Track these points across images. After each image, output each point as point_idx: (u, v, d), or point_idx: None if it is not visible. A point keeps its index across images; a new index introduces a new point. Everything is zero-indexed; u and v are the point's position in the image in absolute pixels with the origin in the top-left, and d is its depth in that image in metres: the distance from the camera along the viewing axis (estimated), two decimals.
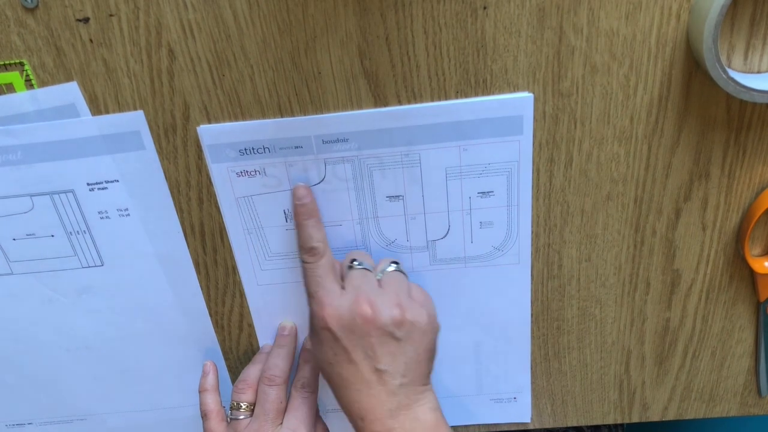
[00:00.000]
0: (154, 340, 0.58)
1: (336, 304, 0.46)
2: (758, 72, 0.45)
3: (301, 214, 0.49)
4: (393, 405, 0.46)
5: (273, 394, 0.53)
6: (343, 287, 0.48)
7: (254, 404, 0.54)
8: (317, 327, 0.47)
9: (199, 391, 0.56)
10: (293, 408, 0.54)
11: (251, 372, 0.55)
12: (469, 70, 0.45)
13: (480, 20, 0.44)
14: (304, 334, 0.57)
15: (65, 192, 0.50)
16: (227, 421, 0.55)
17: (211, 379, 0.56)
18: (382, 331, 0.46)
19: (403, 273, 0.51)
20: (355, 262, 0.49)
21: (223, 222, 0.52)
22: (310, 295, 0.48)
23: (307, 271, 0.49)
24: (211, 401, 0.55)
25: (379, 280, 0.49)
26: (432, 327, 0.48)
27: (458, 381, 0.60)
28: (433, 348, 0.49)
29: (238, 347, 0.59)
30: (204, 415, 0.55)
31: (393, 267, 0.50)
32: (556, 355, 0.59)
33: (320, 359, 0.48)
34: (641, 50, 0.44)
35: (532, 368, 0.60)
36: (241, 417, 0.53)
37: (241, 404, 0.53)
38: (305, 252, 0.49)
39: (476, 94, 0.46)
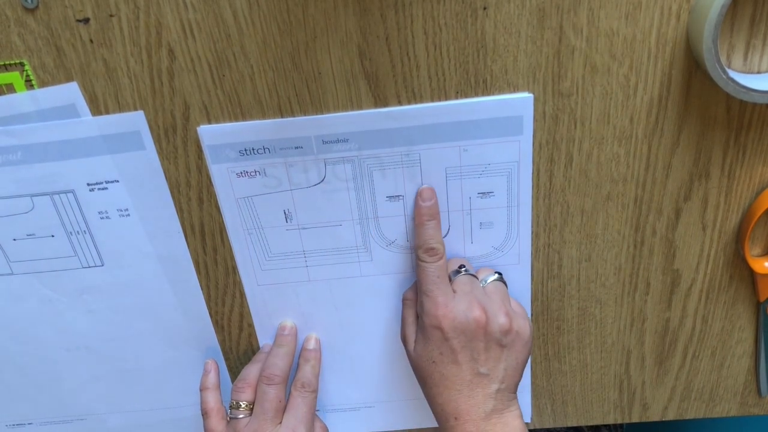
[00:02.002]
0: (154, 340, 0.58)
1: (451, 305, 0.48)
2: (758, 72, 0.45)
3: (424, 215, 0.50)
4: (488, 408, 0.47)
5: (272, 394, 0.53)
6: (454, 290, 0.49)
7: (254, 403, 0.54)
8: (428, 325, 0.48)
9: (200, 390, 0.56)
10: (292, 407, 0.54)
11: (251, 371, 0.55)
12: (469, 71, 0.45)
13: (480, 20, 0.44)
14: (303, 333, 0.58)
15: (65, 192, 0.50)
16: (227, 420, 0.55)
17: (212, 378, 0.56)
18: (491, 337, 0.48)
19: (505, 284, 0.52)
20: (462, 268, 0.51)
21: (223, 222, 0.52)
22: (425, 293, 0.49)
23: (424, 270, 0.50)
24: (212, 399, 0.55)
25: (483, 287, 0.51)
26: (531, 339, 0.51)
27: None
28: (527, 360, 0.51)
29: (238, 347, 0.59)
30: (204, 414, 0.55)
31: (496, 276, 0.52)
32: (556, 355, 0.59)
33: (422, 356, 0.49)
34: (641, 50, 0.44)
35: (532, 368, 0.60)
36: (241, 416, 0.53)
37: (241, 403, 0.53)
38: (425, 252, 0.50)
39: (476, 95, 0.46)
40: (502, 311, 0.49)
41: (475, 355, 0.48)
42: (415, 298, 0.52)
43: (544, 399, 0.62)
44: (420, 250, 0.50)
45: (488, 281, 0.51)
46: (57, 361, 0.59)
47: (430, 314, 0.48)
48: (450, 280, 0.50)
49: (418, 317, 0.51)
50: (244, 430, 0.52)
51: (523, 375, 0.59)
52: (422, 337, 0.49)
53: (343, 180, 0.50)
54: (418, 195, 0.50)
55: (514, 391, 0.50)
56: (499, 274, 0.52)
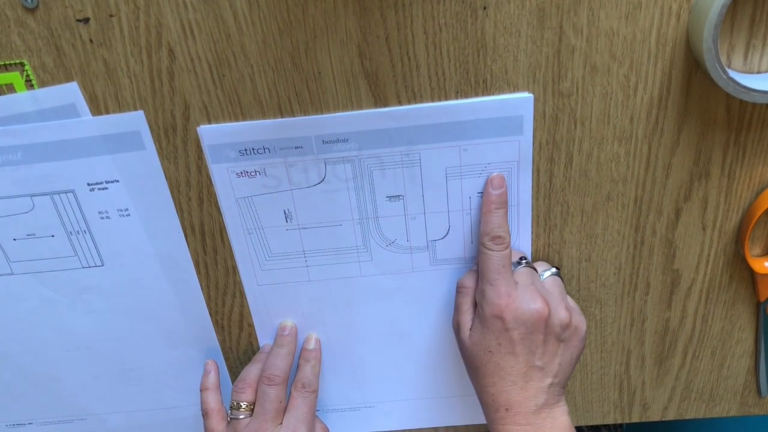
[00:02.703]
0: (154, 340, 0.58)
1: (514, 295, 0.47)
2: (758, 72, 0.45)
3: (493, 203, 0.49)
4: (540, 401, 0.47)
5: (273, 394, 0.53)
6: (516, 281, 0.49)
7: (254, 404, 0.54)
8: (489, 314, 0.48)
9: (201, 390, 0.56)
10: (293, 407, 0.54)
11: (251, 371, 0.55)
12: (469, 70, 0.45)
13: (480, 20, 0.44)
14: (304, 333, 0.58)
15: (65, 192, 0.50)
16: (228, 420, 0.55)
17: (212, 378, 0.56)
18: (551, 330, 0.48)
19: (562, 279, 0.52)
20: (523, 260, 0.50)
21: (223, 222, 0.52)
22: (488, 282, 0.48)
23: (489, 258, 0.49)
24: (212, 400, 0.55)
25: (542, 281, 0.50)
26: (586, 335, 0.51)
27: (458, 380, 0.60)
28: (579, 356, 0.51)
29: (238, 347, 0.59)
30: (205, 414, 0.55)
31: (554, 271, 0.52)
32: None
33: (479, 345, 0.49)
34: (641, 50, 0.44)
35: None
36: (241, 416, 0.53)
37: (241, 404, 0.53)
38: (492, 239, 0.49)
39: (476, 94, 0.46)
40: (562, 305, 0.49)
41: (533, 347, 0.47)
42: (473, 286, 0.51)
43: None
44: (486, 238, 0.49)
45: (546, 275, 0.51)
46: (57, 361, 0.59)
47: (493, 303, 0.48)
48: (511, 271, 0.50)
49: (476, 305, 0.50)
50: (245, 431, 0.52)
51: None
52: (480, 326, 0.49)
53: (343, 180, 0.50)
54: (489, 183, 0.49)
55: (564, 386, 0.50)
56: (557, 269, 0.52)
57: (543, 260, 0.53)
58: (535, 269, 0.51)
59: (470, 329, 0.50)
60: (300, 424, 0.53)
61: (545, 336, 0.48)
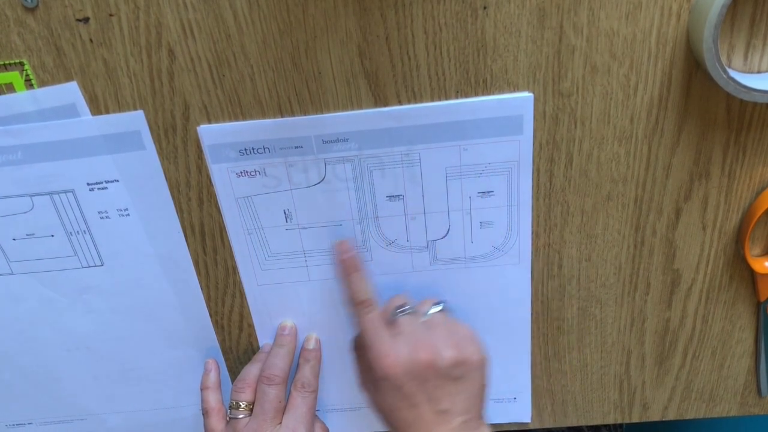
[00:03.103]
0: (154, 340, 0.58)
1: (394, 353, 0.47)
2: (758, 72, 0.45)
3: (347, 269, 0.50)
4: None
5: (272, 394, 0.53)
6: (394, 335, 0.48)
7: (253, 403, 0.54)
8: (377, 377, 0.48)
9: (201, 389, 0.56)
10: (292, 407, 0.54)
11: (250, 371, 0.55)
12: (469, 70, 0.45)
13: (480, 20, 0.44)
14: (303, 333, 0.57)
15: (65, 192, 0.50)
16: (227, 419, 0.55)
17: (212, 377, 0.57)
18: (442, 373, 0.47)
19: (449, 312, 0.51)
20: (400, 309, 0.50)
21: (223, 222, 0.52)
22: (366, 347, 0.49)
23: (362, 323, 0.50)
24: (212, 399, 0.56)
25: (425, 322, 0.50)
26: (484, 361, 0.50)
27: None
28: (486, 382, 0.50)
29: (238, 347, 0.59)
30: (205, 413, 0.55)
31: (438, 307, 0.51)
32: (556, 355, 0.59)
33: (380, 407, 0.49)
34: (641, 50, 0.44)
35: (532, 368, 0.60)
36: (241, 416, 0.53)
37: (240, 403, 0.53)
38: (358, 305, 0.50)
39: (476, 94, 0.46)
40: (448, 343, 0.48)
41: (430, 395, 0.47)
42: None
43: (544, 399, 0.62)
44: (351, 305, 0.50)
45: (429, 314, 0.50)
46: (57, 361, 0.59)
47: (377, 366, 0.47)
48: (391, 321, 0.50)
49: (367, 370, 0.50)
50: (244, 430, 0.52)
51: (523, 375, 0.59)
52: (375, 390, 0.49)
53: (343, 180, 0.50)
54: (337, 249, 0.51)
55: (482, 416, 0.49)
56: (442, 302, 0.51)
57: (545, 260, 0.53)
58: (415, 312, 0.50)
59: (370, 391, 0.51)
60: (299, 424, 0.53)
61: (439, 381, 0.47)
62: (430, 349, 0.47)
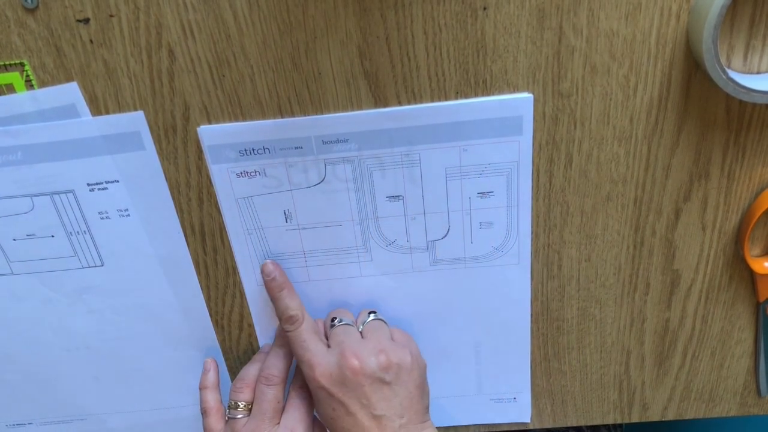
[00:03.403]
0: (154, 340, 0.58)
1: (324, 362, 0.49)
2: (758, 72, 0.45)
3: (273, 289, 0.52)
4: None
5: (271, 394, 0.53)
6: (328, 345, 0.51)
7: (252, 403, 0.54)
8: (312, 388, 0.50)
9: (200, 388, 0.56)
10: (291, 408, 0.54)
11: (249, 371, 0.55)
12: (469, 71, 0.45)
13: (480, 21, 0.44)
14: None
15: (65, 192, 0.50)
16: (226, 419, 0.55)
17: (211, 377, 0.57)
18: (372, 379, 0.48)
19: (382, 320, 0.54)
20: (335, 320, 0.53)
21: (223, 222, 0.52)
22: (300, 360, 0.51)
23: (291, 339, 0.52)
24: (211, 398, 0.56)
25: (361, 332, 0.52)
26: (418, 364, 0.51)
27: (458, 381, 0.60)
28: (423, 384, 0.52)
29: (238, 347, 0.59)
30: (204, 412, 0.55)
31: (372, 317, 0.53)
32: (556, 355, 0.59)
33: (322, 415, 0.51)
34: (641, 51, 0.44)
35: (532, 368, 0.60)
36: (239, 416, 0.53)
37: (239, 403, 0.53)
38: (285, 321, 0.52)
39: (476, 95, 0.46)
40: (377, 349, 0.49)
41: (363, 401, 0.48)
42: None
43: (543, 399, 0.62)
44: (281, 322, 0.52)
45: (366, 322, 0.53)
46: (57, 361, 0.59)
47: (310, 378, 0.50)
48: (328, 334, 0.52)
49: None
50: (242, 430, 0.52)
51: (523, 375, 0.59)
52: (315, 400, 0.51)
53: (343, 180, 0.50)
54: (262, 272, 0.53)
55: (422, 419, 0.50)
56: (375, 312, 0.54)
57: (545, 260, 0.53)
58: (349, 324, 0.52)
59: (314, 403, 0.52)
60: (298, 424, 0.53)
61: (370, 386, 0.48)
62: (356, 355, 0.48)
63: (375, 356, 0.49)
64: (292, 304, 0.52)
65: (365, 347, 0.49)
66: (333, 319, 0.53)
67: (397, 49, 0.45)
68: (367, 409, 0.48)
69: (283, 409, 0.54)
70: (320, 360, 0.49)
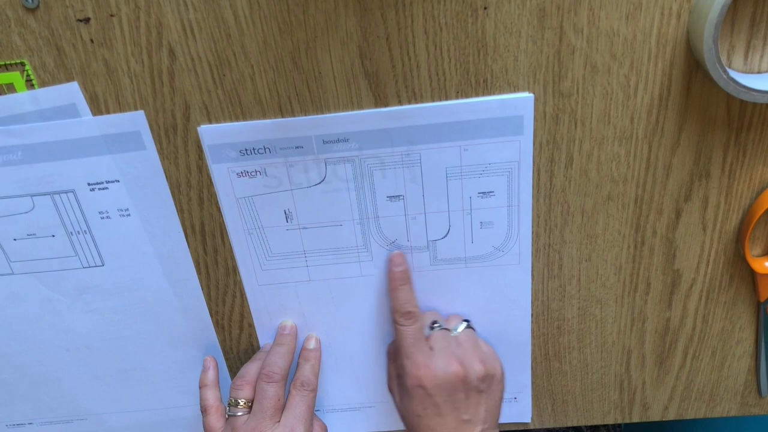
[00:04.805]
0: (154, 340, 0.58)
1: (431, 365, 0.51)
2: (758, 72, 0.45)
3: (397, 280, 0.53)
4: None
5: (271, 392, 0.53)
6: (429, 348, 0.52)
7: (252, 401, 0.54)
8: (410, 385, 0.51)
9: (200, 386, 0.57)
10: (292, 406, 0.54)
11: (250, 369, 0.55)
12: (469, 70, 0.45)
13: (480, 20, 0.44)
14: (303, 333, 0.58)
15: (66, 192, 0.50)
16: (226, 417, 0.55)
17: (211, 375, 0.57)
18: (470, 387, 0.51)
19: (473, 329, 0.55)
20: (436, 324, 0.54)
21: (223, 222, 0.52)
22: (405, 356, 0.52)
23: (402, 333, 0.52)
24: (211, 396, 0.56)
25: (455, 338, 0.53)
26: (503, 376, 0.55)
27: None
28: (503, 395, 0.55)
29: (238, 347, 0.59)
30: (204, 410, 0.55)
31: (465, 325, 0.55)
32: (557, 355, 0.59)
33: (408, 412, 0.53)
34: (641, 50, 0.44)
35: (532, 368, 0.60)
36: (239, 413, 0.53)
37: (239, 401, 0.54)
38: (402, 315, 0.52)
39: (476, 94, 0.46)
40: (477, 359, 0.52)
41: (457, 405, 0.51)
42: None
43: (544, 399, 0.62)
44: (397, 314, 0.52)
45: (459, 330, 0.54)
46: (57, 361, 0.59)
47: (412, 375, 0.51)
48: (426, 335, 0.53)
49: (399, 375, 0.53)
50: (243, 428, 0.52)
51: (523, 375, 0.59)
52: (407, 396, 0.52)
53: (343, 180, 0.50)
54: (390, 261, 0.53)
55: (497, 425, 0.53)
56: (467, 321, 0.55)
57: (545, 260, 0.53)
58: (447, 329, 0.53)
59: (399, 396, 0.54)
60: (298, 422, 0.53)
61: (466, 393, 0.51)
62: (462, 363, 0.51)
63: (476, 366, 0.51)
64: (413, 300, 0.53)
65: (468, 354, 0.52)
66: (433, 323, 0.54)
67: (397, 48, 0.45)
68: (458, 413, 0.51)
69: (283, 408, 0.54)
70: (428, 361, 0.51)
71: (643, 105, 0.46)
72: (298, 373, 0.56)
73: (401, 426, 0.63)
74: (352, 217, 0.51)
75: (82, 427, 0.64)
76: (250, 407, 0.54)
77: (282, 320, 0.57)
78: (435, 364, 0.51)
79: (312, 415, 0.55)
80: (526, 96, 0.46)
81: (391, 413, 0.62)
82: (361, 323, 0.57)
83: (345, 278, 0.55)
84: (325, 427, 0.58)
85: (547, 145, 0.48)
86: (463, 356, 0.51)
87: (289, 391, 0.55)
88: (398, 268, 0.53)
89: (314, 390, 0.55)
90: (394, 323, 0.53)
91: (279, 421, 0.53)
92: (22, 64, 0.45)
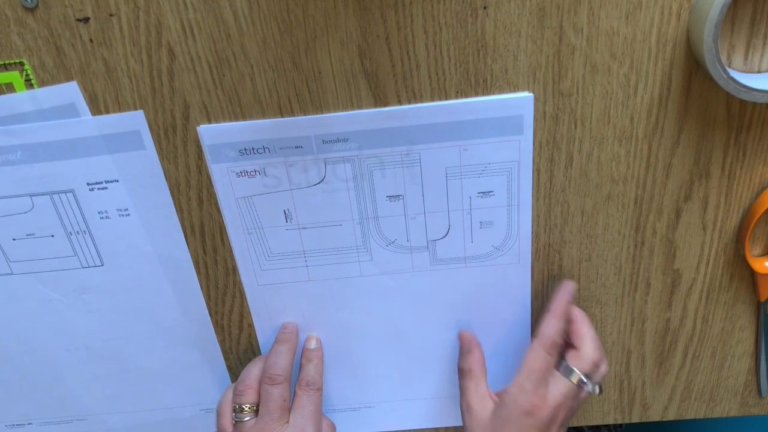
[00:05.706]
0: (154, 340, 0.58)
1: (548, 398, 0.50)
2: (758, 72, 0.45)
3: (564, 311, 0.52)
4: None
5: (276, 393, 0.52)
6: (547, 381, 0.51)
7: (257, 405, 0.53)
8: (521, 410, 0.49)
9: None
10: (299, 406, 0.53)
11: (251, 372, 0.55)
12: (469, 70, 0.45)
13: (480, 20, 0.44)
14: (304, 334, 0.57)
15: (65, 192, 0.50)
16: (233, 423, 0.54)
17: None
18: (564, 423, 0.52)
19: (601, 388, 0.54)
20: (571, 370, 0.52)
21: (223, 222, 0.52)
22: (528, 378, 0.50)
23: (538, 359, 0.50)
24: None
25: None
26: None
27: (458, 381, 0.60)
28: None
29: (238, 347, 0.59)
30: (219, 413, 0.55)
31: (597, 388, 0.53)
32: None
33: (492, 428, 0.51)
34: (641, 50, 0.44)
35: None
36: (246, 419, 0.53)
37: (244, 406, 0.53)
38: (549, 345, 0.50)
39: (476, 94, 0.46)
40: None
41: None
42: (480, 369, 0.55)
43: None
44: (544, 340, 0.50)
45: (588, 388, 0.53)
46: (57, 361, 0.59)
47: (528, 401, 0.49)
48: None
49: (491, 391, 0.53)
50: None
51: None
52: (501, 415, 0.50)
53: (343, 180, 0.50)
54: (566, 289, 0.53)
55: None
56: (600, 387, 0.53)
57: (545, 260, 0.53)
58: (571, 381, 0.51)
59: (491, 414, 0.51)
60: (307, 422, 0.52)
61: (558, 426, 0.51)
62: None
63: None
64: (564, 335, 0.52)
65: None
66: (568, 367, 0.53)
67: (397, 48, 0.45)
68: None
69: (289, 408, 0.53)
70: (546, 393, 0.50)
71: (643, 105, 0.46)
72: (302, 373, 0.55)
73: (402, 426, 0.63)
74: (352, 217, 0.51)
75: (82, 427, 0.64)
76: (256, 411, 0.53)
77: (282, 320, 0.57)
78: (550, 397, 0.50)
79: (320, 415, 0.55)
80: (526, 96, 0.46)
81: (392, 413, 0.62)
82: (361, 323, 0.57)
83: (345, 278, 0.54)
84: (334, 425, 0.57)
85: (547, 145, 0.48)
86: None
87: (294, 392, 0.54)
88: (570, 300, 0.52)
89: (320, 389, 0.55)
90: (535, 345, 0.51)
91: (288, 422, 0.52)
92: (21, 64, 0.45)
